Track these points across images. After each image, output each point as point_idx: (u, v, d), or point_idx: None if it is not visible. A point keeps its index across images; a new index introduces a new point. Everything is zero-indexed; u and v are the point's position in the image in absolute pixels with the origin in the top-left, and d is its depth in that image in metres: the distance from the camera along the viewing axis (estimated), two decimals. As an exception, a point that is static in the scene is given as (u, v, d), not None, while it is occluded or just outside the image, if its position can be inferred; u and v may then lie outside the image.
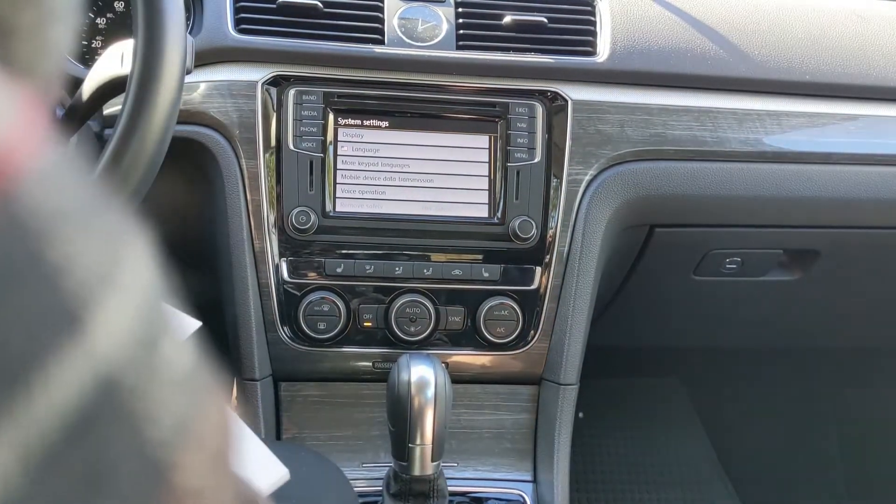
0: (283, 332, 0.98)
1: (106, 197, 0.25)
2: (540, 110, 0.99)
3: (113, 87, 0.74)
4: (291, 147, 0.95)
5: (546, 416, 1.05)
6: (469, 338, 1.00)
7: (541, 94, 0.99)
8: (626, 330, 1.47)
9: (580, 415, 1.44)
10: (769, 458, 1.78)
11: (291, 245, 0.96)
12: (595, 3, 1.05)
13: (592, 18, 1.03)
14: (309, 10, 0.97)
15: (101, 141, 0.86)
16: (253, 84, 0.95)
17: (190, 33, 0.95)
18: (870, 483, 1.72)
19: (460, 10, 1.01)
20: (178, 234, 1.03)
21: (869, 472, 1.73)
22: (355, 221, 0.96)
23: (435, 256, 0.98)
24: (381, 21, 0.99)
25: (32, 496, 0.20)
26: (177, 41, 0.67)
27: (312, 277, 0.97)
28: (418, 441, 0.84)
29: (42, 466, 0.20)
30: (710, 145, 1.03)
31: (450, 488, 0.92)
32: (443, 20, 0.99)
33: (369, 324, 0.98)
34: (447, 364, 0.97)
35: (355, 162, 0.96)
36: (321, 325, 0.97)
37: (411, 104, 0.98)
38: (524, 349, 1.02)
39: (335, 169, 0.96)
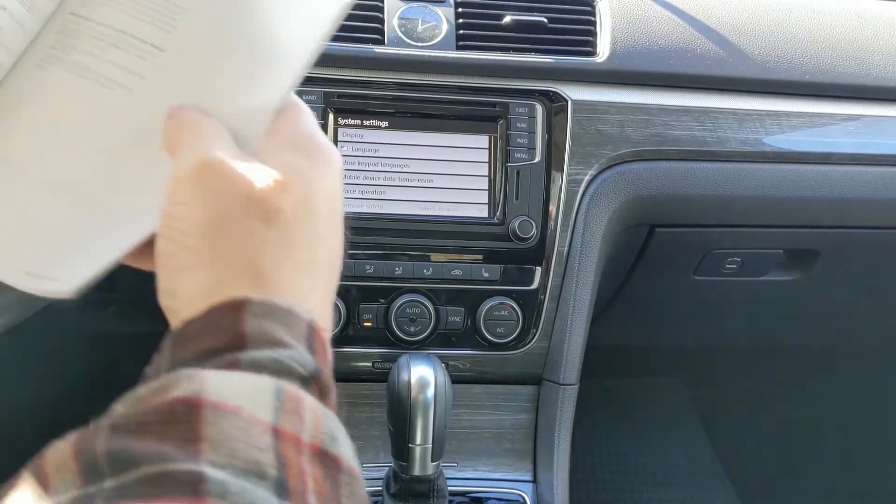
0: (283, 332, 0.98)
1: None
2: (540, 110, 0.99)
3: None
4: (291, 147, 0.95)
5: (546, 417, 1.05)
6: (469, 338, 1.00)
7: (541, 94, 0.99)
8: (626, 330, 1.47)
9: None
10: (769, 458, 1.78)
11: (291, 245, 0.96)
12: (595, 3, 1.05)
13: (592, 18, 1.03)
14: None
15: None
16: (253, 84, 0.94)
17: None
18: (870, 483, 1.72)
19: (460, 10, 1.01)
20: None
21: (869, 472, 1.73)
22: (355, 221, 0.96)
23: (435, 256, 0.98)
24: (381, 21, 0.99)
25: None
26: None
27: (312, 277, 0.97)
28: (418, 441, 0.84)
29: None
30: (710, 145, 1.03)
31: (450, 488, 0.92)
32: (443, 20, 0.99)
33: (369, 324, 0.98)
34: (447, 364, 0.97)
35: (355, 162, 0.96)
36: (321, 325, 0.96)
37: (411, 104, 0.98)
38: (524, 349, 1.02)
39: (335, 169, 0.96)
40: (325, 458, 0.34)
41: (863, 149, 1.08)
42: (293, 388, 0.35)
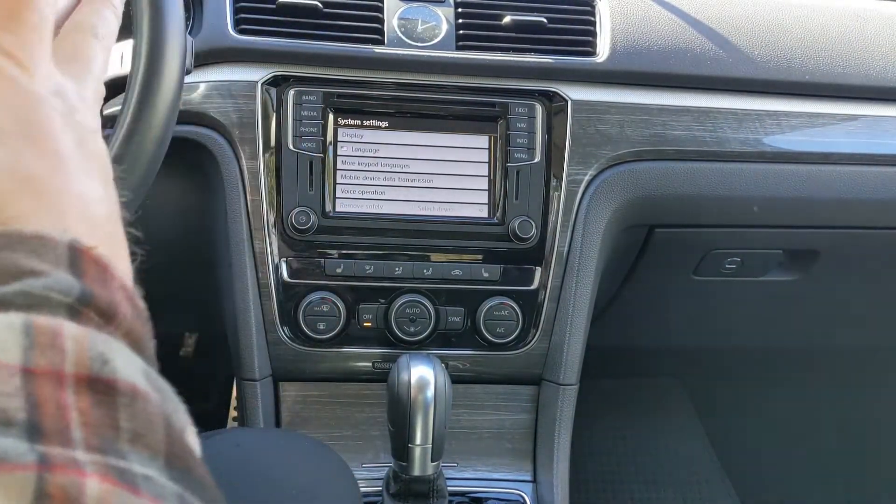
0: (283, 333, 0.98)
1: None
2: (540, 110, 0.99)
3: (113, 88, 0.74)
4: (291, 147, 0.95)
5: (546, 417, 1.05)
6: (469, 338, 1.00)
7: (540, 94, 0.99)
8: (626, 330, 1.47)
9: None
10: (769, 458, 1.78)
11: (291, 245, 0.96)
12: (595, 3, 1.05)
13: (592, 18, 1.03)
14: (309, 11, 0.97)
15: (100, 141, 0.85)
16: (253, 84, 0.95)
17: (189, 33, 0.95)
18: (870, 483, 1.72)
19: (460, 10, 1.01)
20: (179, 235, 1.03)
21: (869, 472, 1.73)
22: (355, 221, 0.96)
23: (435, 256, 0.98)
24: (381, 21, 0.99)
25: None
26: (176, 41, 0.67)
27: (312, 278, 0.97)
28: (418, 441, 0.84)
29: None
30: (709, 145, 1.03)
31: (450, 488, 0.92)
32: (442, 20, 0.99)
33: (369, 324, 0.98)
34: (447, 364, 0.97)
35: (355, 162, 0.96)
36: (321, 326, 0.97)
37: (411, 104, 0.98)
38: (524, 349, 1.02)
39: (335, 169, 0.96)
40: (96, 384, 0.30)
41: (863, 149, 1.08)
42: (48, 320, 0.31)
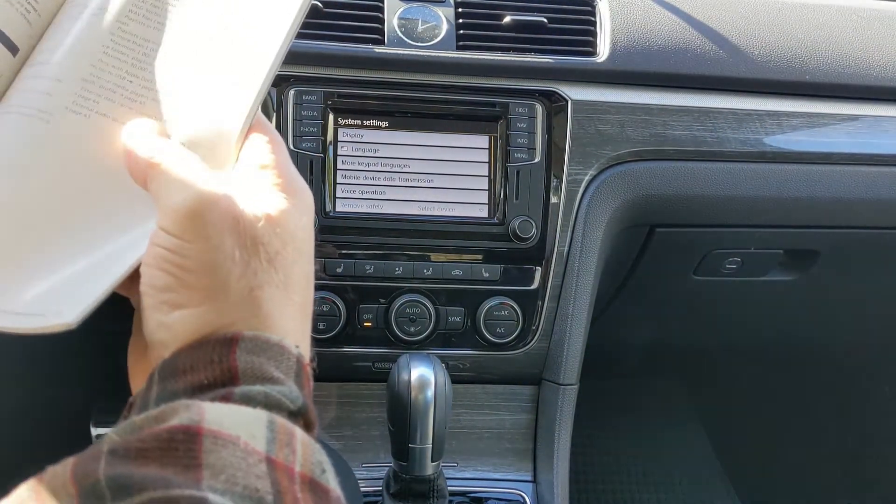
0: (283, 332, 0.98)
1: None
2: (540, 110, 0.99)
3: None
4: (291, 147, 0.95)
5: (546, 417, 1.05)
6: (469, 338, 1.00)
7: (541, 94, 0.99)
8: (626, 330, 1.47)
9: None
10: (769, 458, 1.78)
11: (291, 245, 0.96)
12: (595, 3, 1.05)
13: (592, 18, 1.03)
14: (309, 10, 0.97)
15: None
16: (253, 84, 0.94)
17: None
18: (870, 483, 1.72)
19: (460, 10, 1.01)
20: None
21: (869, 472, 1.73)
22: (355, 221, 0.96)
23: (435, 256, 0.98)
24: (381, 21, 0.99)
25: None
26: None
27: (312, 277, 0.97)
28: (418, 441, 0.84)
29: None
30: (710, 145, 1.03)
31: (450, 488, 0.92)
32: (443, 20, 0.99)
33: (369, 324, 0.98)
34: (447, 364, 0.97)
35: (355, 162, 0.96)
36: (321, 325, 0.97)
37: (411, 104, 0.98)
38: (524, 349, 1.02)
39: (335, 169, 0.96)
40: (316, 488, 0.36)
41: (863, 149, 1.08)
42: (285, 422, 0.37)
